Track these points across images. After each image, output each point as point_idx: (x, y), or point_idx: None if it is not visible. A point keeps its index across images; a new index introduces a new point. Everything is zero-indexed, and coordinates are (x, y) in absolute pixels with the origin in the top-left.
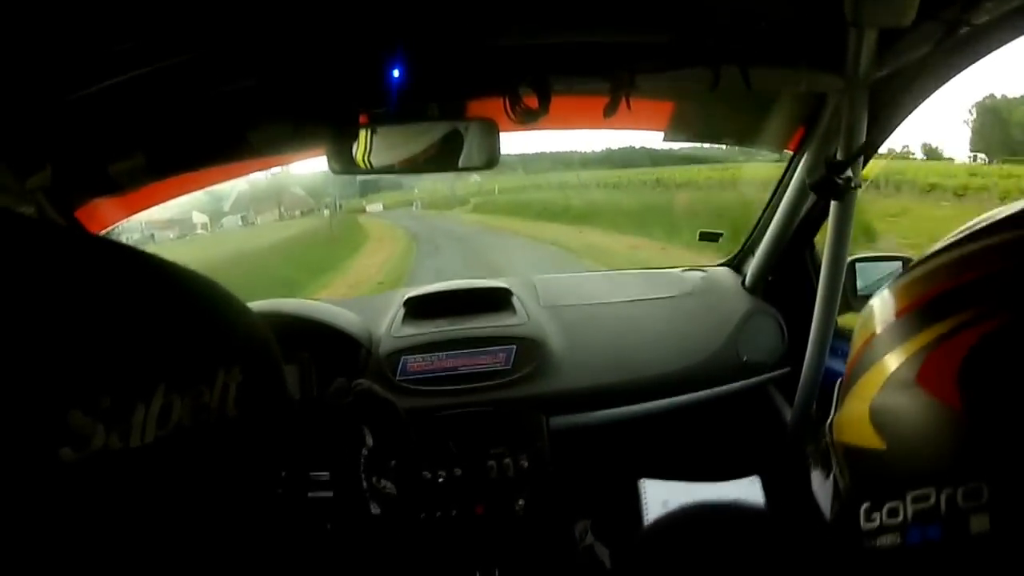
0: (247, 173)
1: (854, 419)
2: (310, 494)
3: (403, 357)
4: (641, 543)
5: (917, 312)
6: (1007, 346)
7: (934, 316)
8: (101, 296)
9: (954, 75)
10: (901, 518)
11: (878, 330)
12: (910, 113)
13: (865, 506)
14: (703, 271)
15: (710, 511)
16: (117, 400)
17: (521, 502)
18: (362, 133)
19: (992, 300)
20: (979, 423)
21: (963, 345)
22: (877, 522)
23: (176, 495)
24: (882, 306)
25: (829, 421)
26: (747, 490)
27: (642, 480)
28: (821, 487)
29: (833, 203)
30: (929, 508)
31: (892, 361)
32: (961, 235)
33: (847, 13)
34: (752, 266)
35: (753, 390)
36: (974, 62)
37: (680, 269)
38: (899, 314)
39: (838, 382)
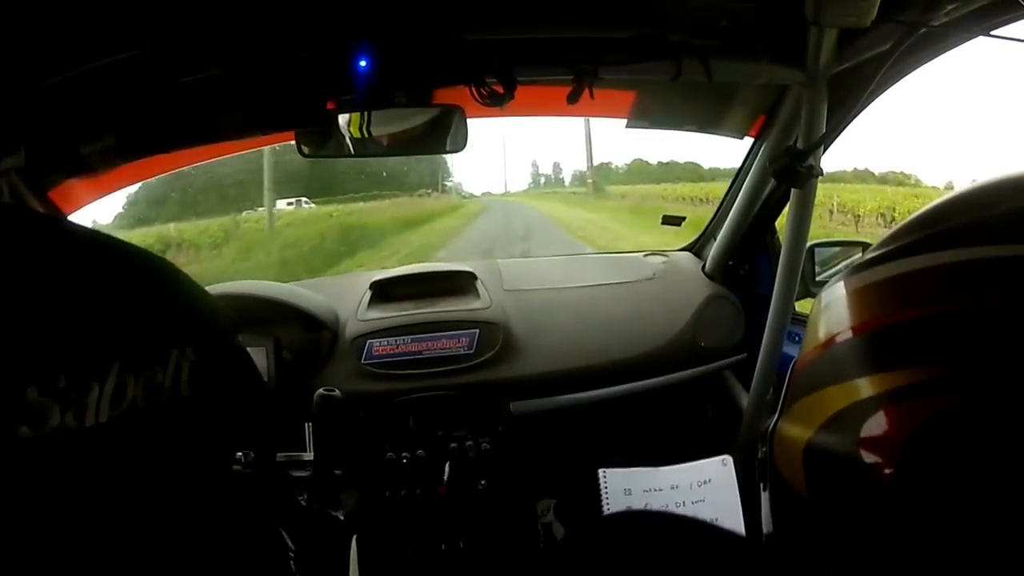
0: (216, 156)
1: (789, 450)
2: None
3: (368, 341)
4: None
5: (875, 338)
6: (961, 433)
7: (893, 357)
8: (56, 276)
9: (911, 71)
10: None
11: (834, 340)
12: (868, 105)
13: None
14: (664, 255)
15: (667, 522)
16: (72, 379)
17: (483, 483)
18: (340, 119)
19: (956, 363)
20: (916, 516)
21: (916, 414)
22: None
23: (131, 474)
24: (838, 308)
25: (771, 427)
26: (718, 471)
27: (601, 470)
28: (762, 497)
29: (794, 190)
30: None
31: (840, 396)
32: (920, 233)
33: (808, 12)
34: (713, 251)
35: (710, 376)
36: (931, 59)
37: (642, 253)
38: (856, 329)
39: (787, 376)
